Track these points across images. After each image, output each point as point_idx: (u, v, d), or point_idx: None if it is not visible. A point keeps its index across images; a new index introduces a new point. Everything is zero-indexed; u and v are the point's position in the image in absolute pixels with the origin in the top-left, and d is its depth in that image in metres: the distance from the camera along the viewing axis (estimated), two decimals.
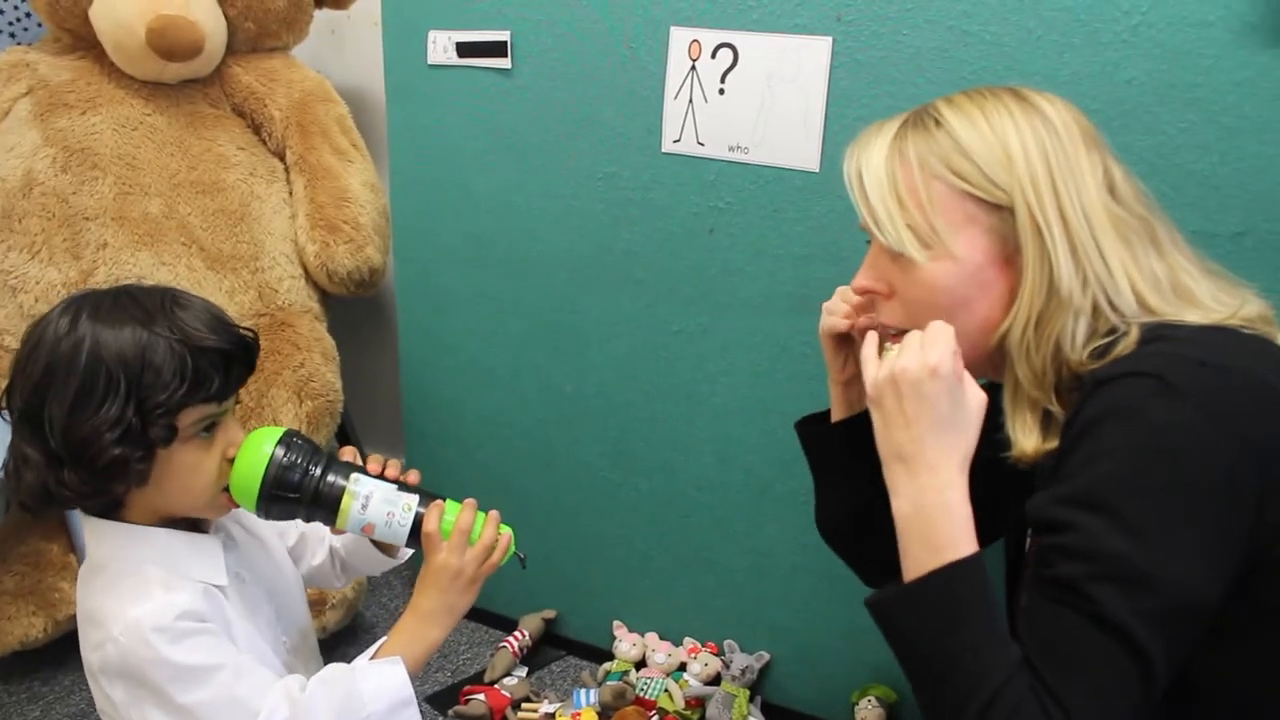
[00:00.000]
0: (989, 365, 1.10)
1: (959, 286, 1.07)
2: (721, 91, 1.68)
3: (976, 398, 1.02)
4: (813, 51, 1.60)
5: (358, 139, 2.27)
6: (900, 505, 1.03)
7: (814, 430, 1.38)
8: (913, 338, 1.03)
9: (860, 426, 1.28)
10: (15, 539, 2.06)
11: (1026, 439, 1.06)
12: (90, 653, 1.14)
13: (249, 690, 1.13)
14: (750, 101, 1.66)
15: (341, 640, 2.15)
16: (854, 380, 1.31)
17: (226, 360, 1.14)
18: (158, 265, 2.02)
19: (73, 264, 2.00)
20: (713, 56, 1.67)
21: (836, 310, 1.29)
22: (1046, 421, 1.06)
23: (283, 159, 2.22)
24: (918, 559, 1.00)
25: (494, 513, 1.23)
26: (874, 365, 1.06)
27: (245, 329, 1.20)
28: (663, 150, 1.76)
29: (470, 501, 1.22)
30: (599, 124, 1.81)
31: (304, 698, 1.14)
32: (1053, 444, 1.03)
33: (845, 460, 1.34)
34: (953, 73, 1.52)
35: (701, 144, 1.72)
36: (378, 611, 2.28)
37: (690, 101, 1.71)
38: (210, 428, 1.16)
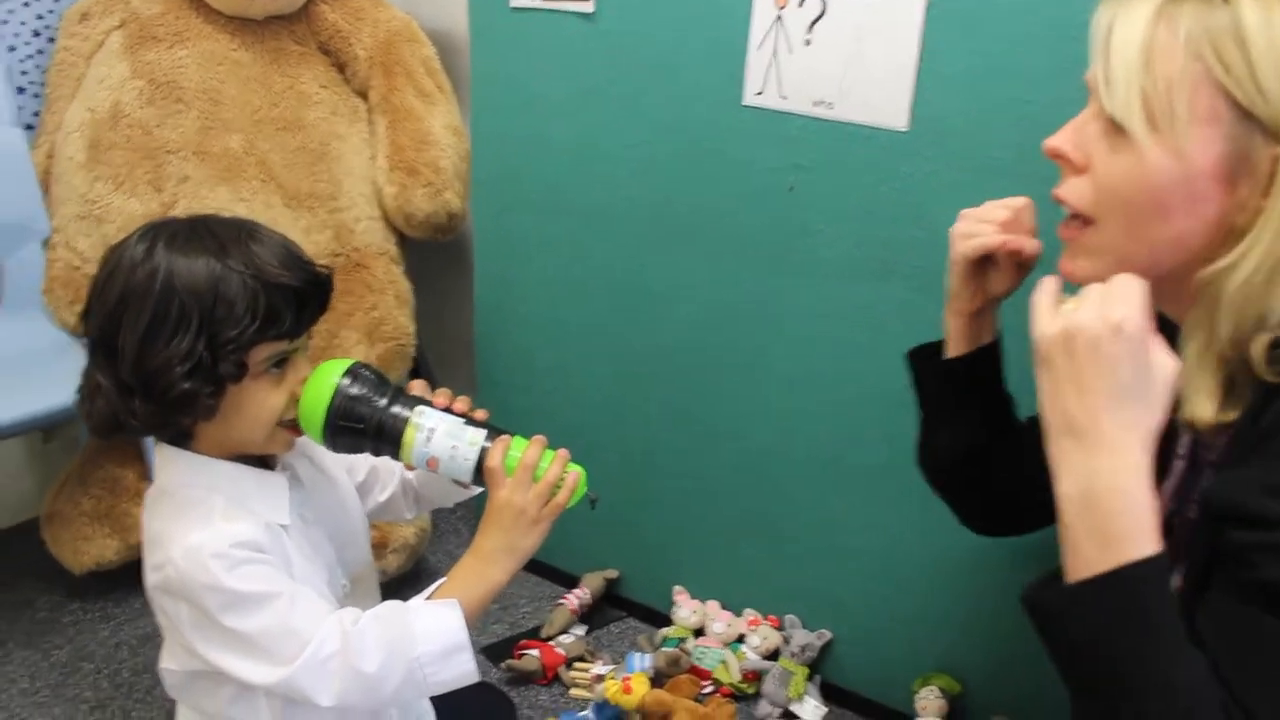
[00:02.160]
0: (1155, 295, 0.90)
1: (1168, 188, 0.91)
2: (808, 43, 1.59)
3: (1166, 365, 0.86)
4: (906, 2, 1.50)
5: (443, 81, 2.22)
6: (1067, 487, 0.87)
7: (928, 364, 1.26)
8: (1094, 290, 0.88)
9: (978, 364, 1.21)
10: (94, 463, 2.10)
11: (1204, 405, 0.91)
12: (151, 573, 1.16)
13: (303, 620, 1.13)
14: (837, 54, 1.57)
15: (403, 585, 2.14)
16: (982, 313, 1.19)
17: (299, 298, 1.13)
18: (236, 201, 2.01)
19: (154, 196, 2.00)
20: (800, 5, 1.58)
21: (983, 227, 1.15)
22: (1228, 389, 0.91)
23: (365, 99, 2.19)
24: (1086, 553, 0.85)
25: (563, 451, 1.18)
26: (1047, 317, 0.89)
27: (321, 266, 1.18)
28: (743, 103, 1.68)
29: (538, 438, 1.18)
30: (679, 73, 1.73)
31: (355, 631, 1.13)
32: (1230, 416, 0.90)
33: (958, 399, 1.24)
34: (1058, 27, 1.41)
35: (784, 97, 1.64)
36: (441, 558, 2.27)
37: (774, 53, 1.63)
38: (280, 364, 1.15)
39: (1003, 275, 1.16)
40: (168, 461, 1.21)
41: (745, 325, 1.79)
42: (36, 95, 2.19)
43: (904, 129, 1.55)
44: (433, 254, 2.38)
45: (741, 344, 1.81)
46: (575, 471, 1.18)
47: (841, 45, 1.56)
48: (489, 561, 1.18)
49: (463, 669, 1.15)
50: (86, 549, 2.07)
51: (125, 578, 2.08)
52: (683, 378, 1.90)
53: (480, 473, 1.16)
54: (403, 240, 2.20)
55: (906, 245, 1.60)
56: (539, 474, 1.17)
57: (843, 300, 1.69)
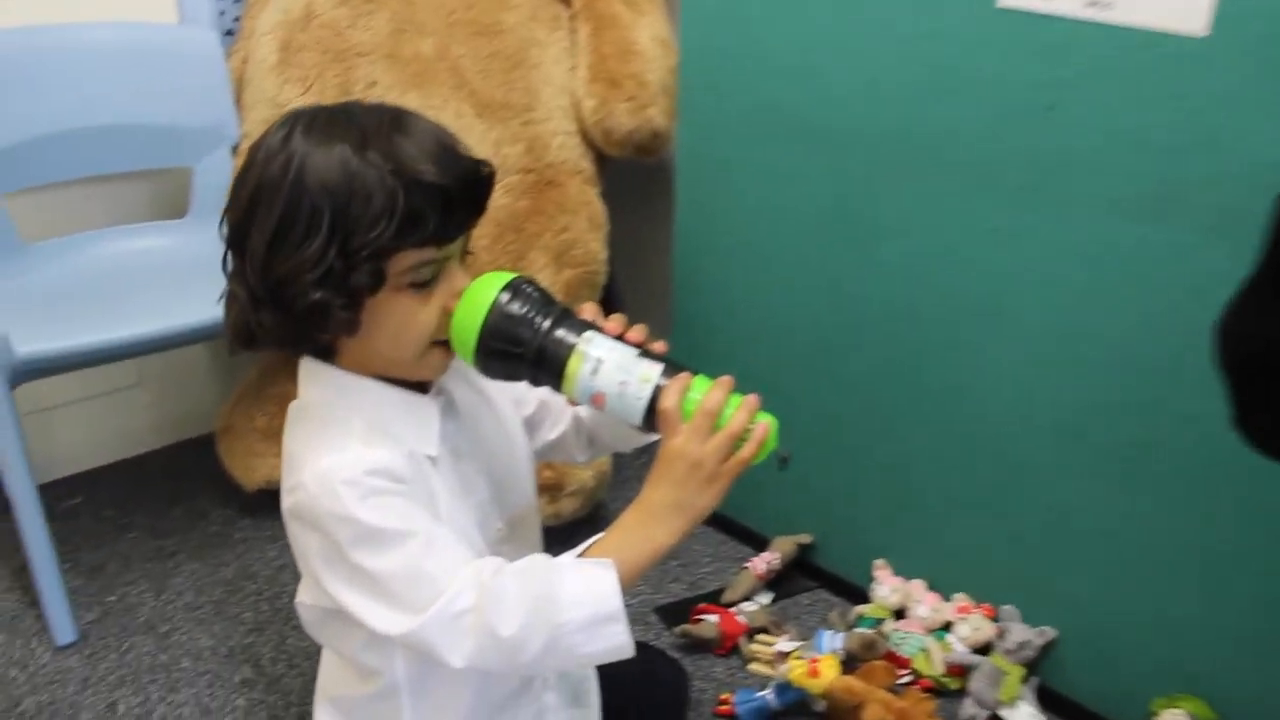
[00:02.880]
0: None
1: None
2: None
3: None
4: None
5: None
6: None
7: None
8: None
9: None
10: (269, 379, 2.04)
11: None
12: (285, 495, 1.04)
13: (438, 566, 0.99)
14: None
15: (576, 533, 1.97)
16: None
17: (447, 199, 0.97)
18: (425, 108, 1.83)
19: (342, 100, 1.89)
20: None
21: None
22: None
23: (568, 4, 2.02)
24: None
25: (751, 397, 1.00)
26: None
27: (480, 162, 1.02)
28: (997, 5, 1.42)
29: (724, 379, 1.00)
30: None
31: (493, 586, 0.98)
32: None
33: None
34: None
35: None
36: (621, 505, 2.06)
37: None
38: (430, 276, 1.00)
39: None
40: (309, 376, 1.09)
41: (983, 268, 1.54)
42: (238, 0, 2.13)
43: (1201, 34, 1.27)
44: (632, 176, 2.21)
45: (977, 290, 1.56)
46: (764, 422, 1.00)
47: None
48: (655, 519, 1.00)
49: (614, 641, 0.99)
50: (258, 466, 2.02)
51: None
52: (902, 324, 1.66)
53: (653, 415, 0.99)
54: (600, 160, 2.03)
55: (1193, 179, 1.31)
56: (721, 421, 0.98)
57: (1106, 242, 1.41)
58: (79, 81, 1.97)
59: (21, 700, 1.67)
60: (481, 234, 1.88)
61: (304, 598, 1.16)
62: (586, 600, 0.97)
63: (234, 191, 1.01)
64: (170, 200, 2.14)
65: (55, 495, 2.18)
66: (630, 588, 0.98)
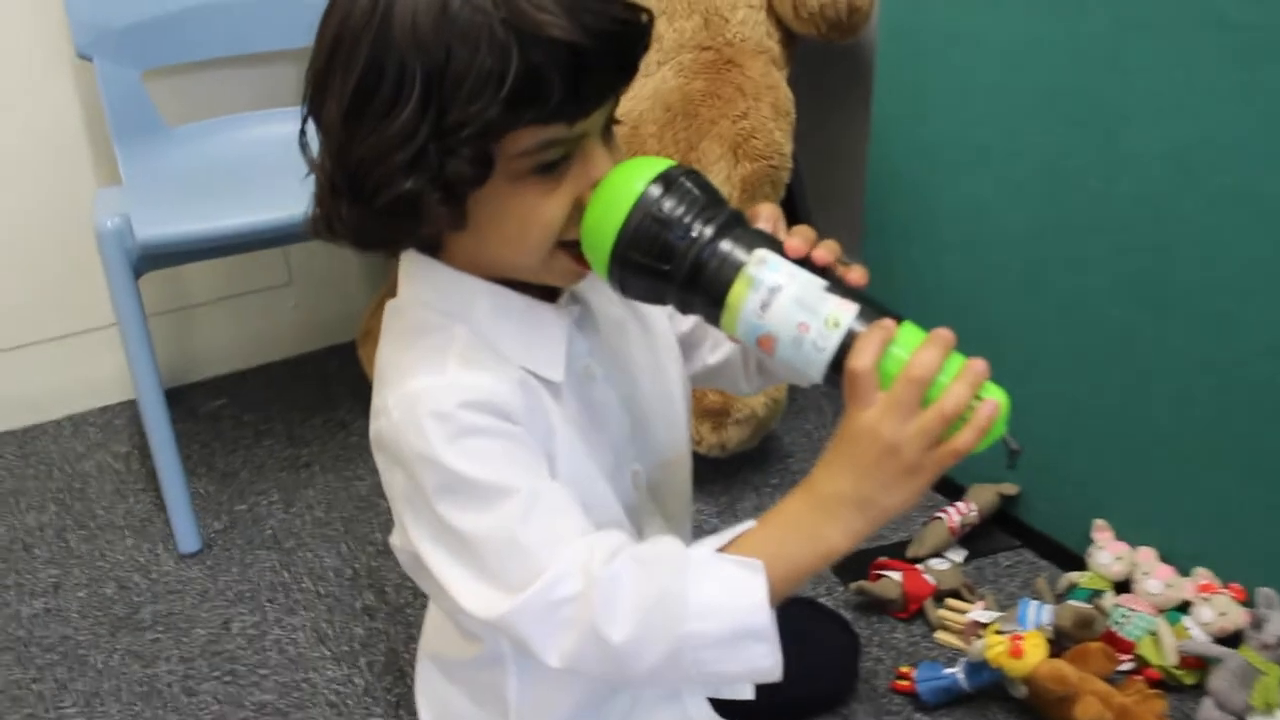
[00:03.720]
0: None
1: None
2: None
3: None
4: None
5: None
6: None
7: None
8: None
9: None
10: None
11: None
12: (371, 418, 0.85)
13: (539, 536, 0.77)
14: None
15: (743, 465, 1.76)
16: None
17: (578, 59, 0.72)
18: None
19: None
20: None
21: None
22: None
23: None
24: None
25: (977, 362, 0.73)
26: None
27: (632, 7, 0.77)
28: None
29: (941, 333, 0.73)
30: None
31: (605, 575, 0.75)
32: None
33: None
34: None
35: None
36: (796, 439, 1.86)
37: None
38: (559, 157, 0.77)
39: None
40: (408, 270, 0.88)
41: (1263, 163, 1.21)
42: None
43: None
44: (822, 60, 1.93)
45: (1252, 190, 1.23)
46: (993, 400, 0.72)
47: None
48: (826, 513, 0.75)
49: (755, 664, 0.76)
50: None
51: None
52: (1152, 230, 1.33)
53: (838, 373, 0.73)
54: (789, 39, 1.75)
55: None
56: (933, 393, 0.72)
57: None
58: None
59: (140, 608, 1.56)
60: (649, 119, 1.66)
61: (395, 539, 0.96)
62: (724, 609, 0.74)
63: (316, 39, 0.80)
64: None
65: (200, 397, 2.10)
66: (783, 597, 0.75)
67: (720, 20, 1.68)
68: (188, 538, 1.67)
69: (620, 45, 0.77)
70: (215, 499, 1.79)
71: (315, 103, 0.80)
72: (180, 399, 2.07)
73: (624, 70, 0.79)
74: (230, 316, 2.15)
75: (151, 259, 1.58)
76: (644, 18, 0.79)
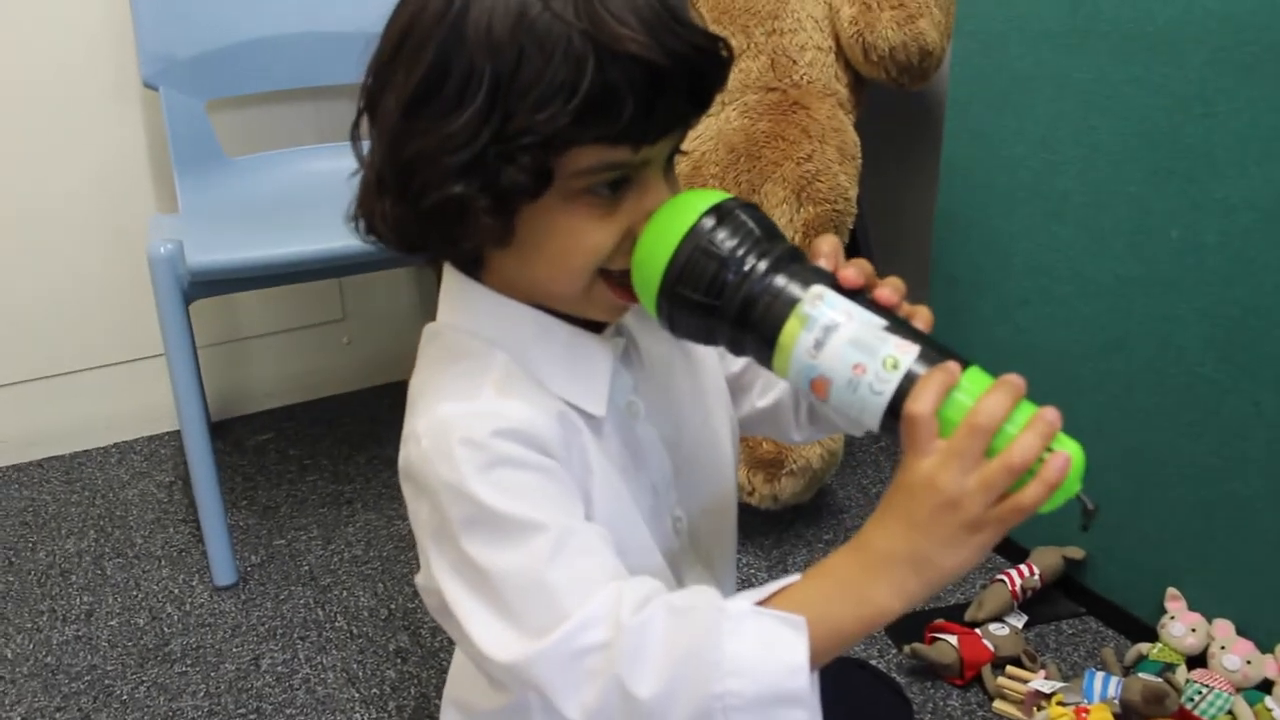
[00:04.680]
0: None
1: None
2: None
3: None
4: None
5: None
6: None
7: None
8: None
9: None
10: None
11: None
12: (400, 445, 0.79)
13: (567, 578, 0.71)
14: None
15: (796, 518, 1.70)
16: None
17: (656, 79, 0.69)
18: None
19: None
20: None
21: None
22: None
23: None
24: None
25: (1049, 411, 0.65)
26: None
27: (713, 37, 0.73)
28: None
29: (1010, 380, 0.66)
30: None
31: (634, 624, 0.68)
32: None
33: None
34: None
35: None
36: (852, 493, 1.79)
37: None
38: (618, 184, 0.73)
39: None
40: (451, 290, 0.83)
41: None
42: None
43: None
44: (893, 104, 1.88)
45: None
46: (1064, 453, 0.64)
47: None
48: (877, 571, 0.68)
49: None
50: None
51: None
52: (1243, 285, 1.27)
53: (896, 418, 0.67)
54: (857, 82, 1.71)
55: None
56: (999, 443, 0.65)
57: None
58: None
59: (170, 640, 1.53)
60: (711, 160, 1.62)
61: (421, 579, 0.91)
62: (759, 669, 0.67)
63: (383, 34, 0.77)
64: None
65: (248, 429, 2.08)
66: (825, 660, 0.68)
67: (788, 61, 1.65)
68: (224, 570, 1.64)
69: (698, 72, 0.72)
70: (255, 532, 1.76)
71: (374, 96, 0.76)
72: (228, 431, 2.06)
73: (698, 100, 0.75)
74: (283, 350, 2.14)
75: (203, 285, 1.56)
76: (724, 50, 0.75)
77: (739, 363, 0.97)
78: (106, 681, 1.45)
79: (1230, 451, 1.33)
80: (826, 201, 1.60)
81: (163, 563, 1.69)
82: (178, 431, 1.98)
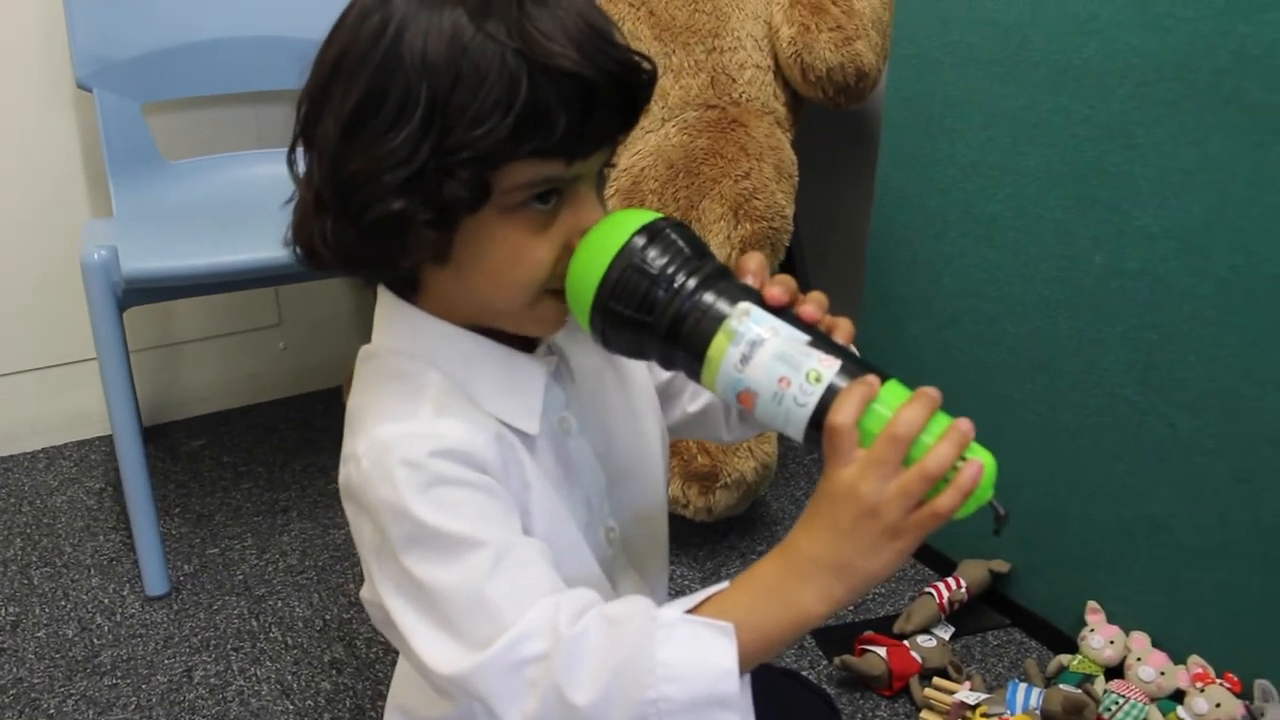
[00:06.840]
0: None
1: None
2: None
3: None
4: None
5: None
6: None
7: None
8: None
9: None
10: None
11: None
12: (340, 465, 0.81)
13: (505, 592, 0.73)
14: None
15: (730, 530, 1.73)
16: None
17: (587, 96, 0.71)
18: None
19: None
20: None
21: None
22: None
23: None
24: None
25: (963, 422, 0.68)
26: None
27: (639, 55, 0.76)
28: None
29: (927, 392, 0.69)
30: None
31: (571, 635, 0.71)
32: None
33: None
34: None
35: None
36: (785, 504, 1.82)
37: None
38: (549, 198, 0.75)
39: None
40: (385, 313, 0.84)
41: (1276, 242, 1.19)
42: None
43: None
44: (828, 123, 1.92)
45: (1265, 268, 1.21)
46: (977, 461, 0.68)
47: None
48: (803, 577, 0.71)
49: None
50: None
51: None
52: (1161, 311, 1.32)
53: (819, 430, 0.70)
54: (795, 101, 1.74)
55: None
56: (916, 452, 0.68)
57: None
58: None
59: (100, 652, 1.51)
60: (650, 175, 1.64)
61: (366, 592, 0.92)
62: (690, 675, 0.69)
63: (316, 60, 0.77)
64: None
65: (182, 435, 2.06)
66: (754, 664, 0.70)
67: (727, 79, 1.67)
68: (156, 580, 1.62)
69: (627, 89, 0.75)
70: (188, 540, 1.74)
71: (310, 120, 0.77)
72: (161, 436, 2.04)
73: (627, 115, 0.77)
74: (217, 355, 2.12)
75: (137, 293, 1.55)
76: (649, 67, 0.77)
77: (668, 372, 0.99)
78: (33, 695, 1.43)
79: (1148, 471, 1.38)
80: (763, 219, 1.62)
81: (92, 572, 1.67)
82: (109, 436, 1.96)
